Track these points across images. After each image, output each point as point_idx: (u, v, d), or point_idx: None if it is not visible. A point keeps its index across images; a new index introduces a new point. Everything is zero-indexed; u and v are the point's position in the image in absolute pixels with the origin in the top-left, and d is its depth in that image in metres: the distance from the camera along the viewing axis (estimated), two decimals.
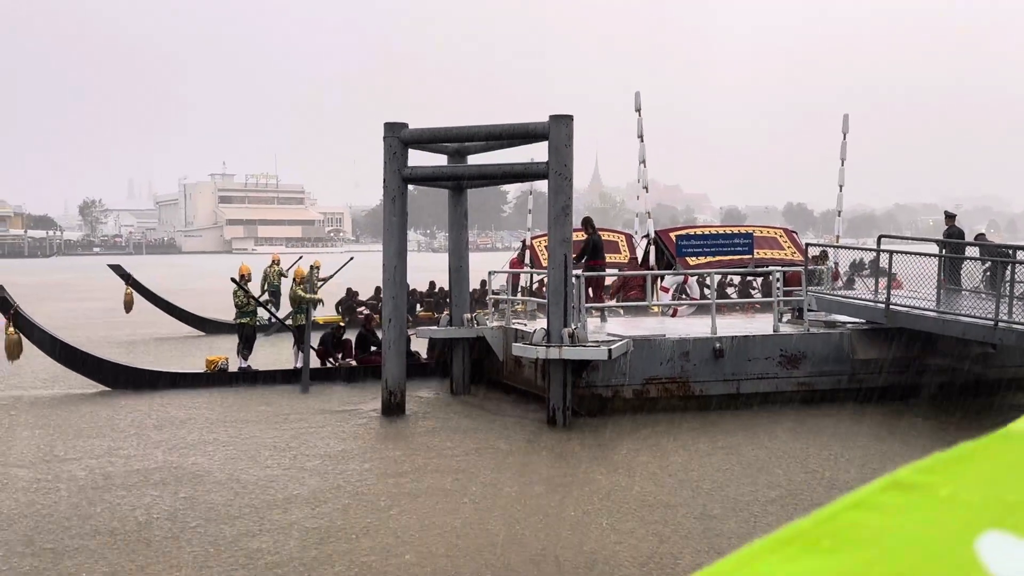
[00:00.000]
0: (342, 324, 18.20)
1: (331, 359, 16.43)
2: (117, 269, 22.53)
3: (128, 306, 21.54)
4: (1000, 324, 11.71)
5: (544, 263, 21.64)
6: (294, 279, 16.82)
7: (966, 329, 12.33)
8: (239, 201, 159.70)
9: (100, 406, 13.58)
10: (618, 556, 7.00)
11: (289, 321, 16.66)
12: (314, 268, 23.95)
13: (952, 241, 15.88)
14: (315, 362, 16.02)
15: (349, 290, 24.12)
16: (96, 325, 25.01)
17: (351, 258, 22.65)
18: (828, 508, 0.78)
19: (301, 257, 24.79)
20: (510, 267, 21.72)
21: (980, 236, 18.71)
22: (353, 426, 12.21)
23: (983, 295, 13.28)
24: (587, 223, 15.99)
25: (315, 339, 16.33)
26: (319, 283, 23.07)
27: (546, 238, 24.12)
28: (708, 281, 15.90)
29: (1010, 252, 13.58)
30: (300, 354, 16.08)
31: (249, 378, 15.49)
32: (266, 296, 21.43)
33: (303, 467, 9.86)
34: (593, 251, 15.70)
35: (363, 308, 22.98)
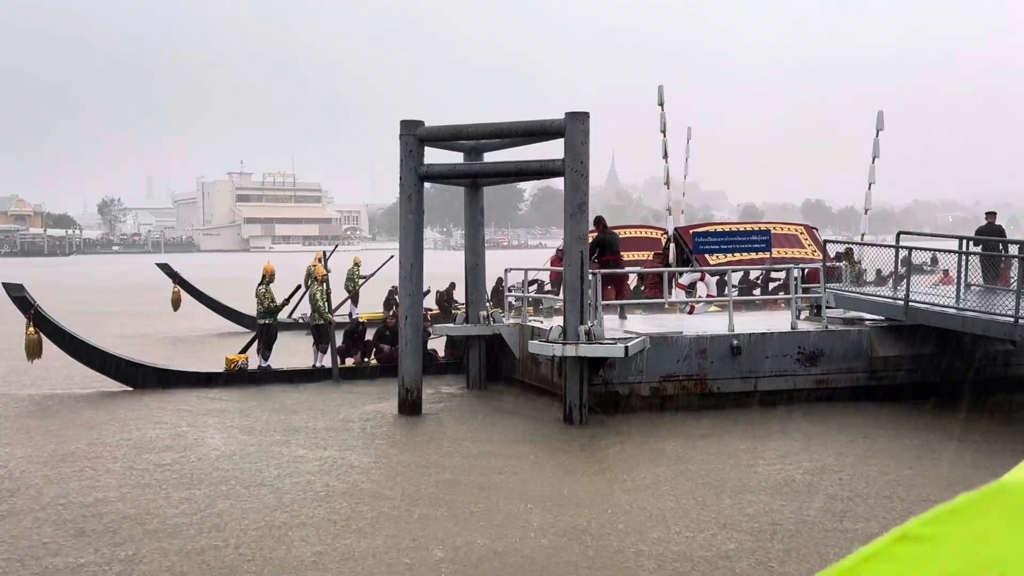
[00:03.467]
0: (361, 322, 18.16)
1: (350, 357, 16.51)
2: (165, 268, 22.79)
3: (176, 304, 21.73)
4: (1021, 321, 11.60)
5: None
6: (314, 278, 16.92)
7: (986, 326, 12.23)
8: (256, 199, 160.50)
9: (115, 406, 13.68)
10: (635, 556, 6.99)
11: (307, 319, 16.76)
12: (356, 265, 24.22)
13: (982, 238, 15.81)
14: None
15: (394, 288, 24.14)
16: (141, 322, 25.27)
17: (391, 256, 22.71)
18: (847, 560, 0.88)
19: (331, 246, 25.06)
20: (551, 264, 21.65)
21: None
22: (369, 424, 12.24)
23: (1000, 291, 13.20)
24: (598, 222, 15.99)
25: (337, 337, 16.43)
26: (360, 280, 23.34)
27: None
28: (726, 278, 15.79)
29: None
30: (319, 353, 16.20)
31: (268, 377, 15.57)
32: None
33: (316, 467, 9.89)
34: (608, 248, 15.69)
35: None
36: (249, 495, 8.64)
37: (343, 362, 16.29)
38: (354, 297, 23.54)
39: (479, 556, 6.96)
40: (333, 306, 16.86)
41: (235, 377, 15.36)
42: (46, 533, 7.50)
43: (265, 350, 16.05)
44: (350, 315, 21.38)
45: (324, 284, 16.57)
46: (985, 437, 11.13)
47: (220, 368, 15.59)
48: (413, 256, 13.20)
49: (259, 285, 16.33)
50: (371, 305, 24.03)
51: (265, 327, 16.17)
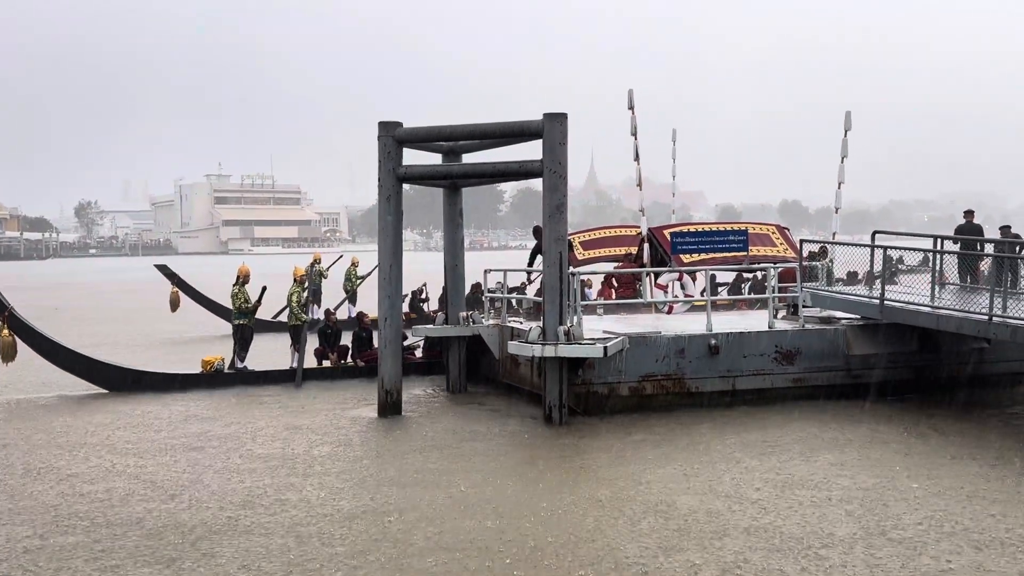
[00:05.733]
0: (332, 322, 18.04)
1: (326, 360, 16.47)
2: (163, 269, 22.64)
3: (174, 305, 21.58)
4: (994, 319, 11.73)
5: (579, 259, 22.11)
6: (294, 279, 16.87)
7: (960, 324, 12.35)
8: (235, 202, 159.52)
9: (89, 409, 13.56)
10: (616, 555, 7.01)
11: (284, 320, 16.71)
12: (354, 265, 24.46)
13: (962, 237, 15.97)
14: (313, 361, 16.11)
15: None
16: (138, 323, 25.13)
17: None
18: None
19: (341, 256, 25.14)
20: None
21: (1005, 229, 18.92)
22: (349, 427, 12.20)
23: (969, 289, 13.37)
24: (536, 231, 15.90)
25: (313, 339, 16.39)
26: (357, 281, 23.66)
27: (580, 235, 24.44)
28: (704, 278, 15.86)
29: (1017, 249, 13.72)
30: (297, 354, 16.14)
31: (244, 378, 15.51)
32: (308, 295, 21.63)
33: (298, 472, 9.85)
34: None
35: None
36: (221, 498, 8.61)
37: (319, 363, 16.27)
38: (351, 297, 23.72)
39: (464, 551, 6.96)
40: (330, 307, 16.89)
41: (211, 378, 15.31)
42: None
43: (241, 351, 15.97)
44: (328, 315, 21.42)
45: (301, 286, 16.54)
46: (957, 434, 11.25)
47: (197, 369, 15.55)
48: (392, 257, 13.19)
49: (234, 286, 16.26)
50: (369, 309, 24.07)
51: (240, 328, 16.09)
